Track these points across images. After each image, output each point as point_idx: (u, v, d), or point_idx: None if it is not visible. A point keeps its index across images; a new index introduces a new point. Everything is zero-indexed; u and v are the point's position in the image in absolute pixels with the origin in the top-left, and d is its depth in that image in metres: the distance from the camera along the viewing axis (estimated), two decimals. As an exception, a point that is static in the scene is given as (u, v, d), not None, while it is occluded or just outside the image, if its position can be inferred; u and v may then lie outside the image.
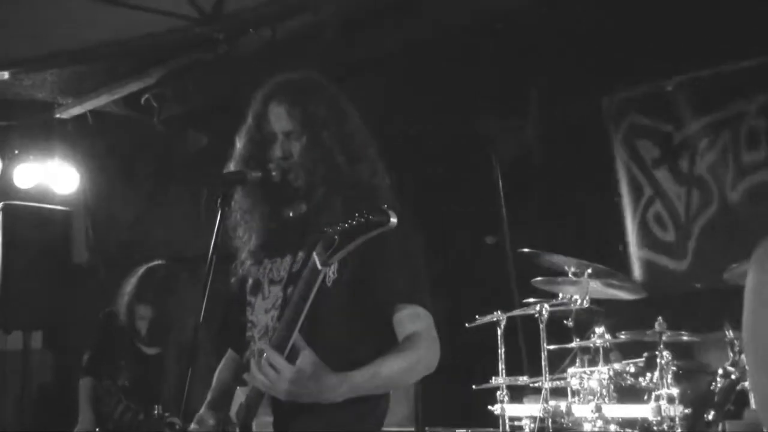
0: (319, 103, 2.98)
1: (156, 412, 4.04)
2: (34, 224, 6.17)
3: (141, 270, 5.05)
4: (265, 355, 2.64)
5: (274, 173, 2.92)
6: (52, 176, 6.89)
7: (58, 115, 6.46)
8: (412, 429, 6.18)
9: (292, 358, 2.62)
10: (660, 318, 4.72)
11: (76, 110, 6.38)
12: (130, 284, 5.01)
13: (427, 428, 6.01)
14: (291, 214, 3.06)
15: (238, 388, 2.92)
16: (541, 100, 7.02)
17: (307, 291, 2.61)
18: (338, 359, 2.72)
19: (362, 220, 2.49)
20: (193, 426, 2.95)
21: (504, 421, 5.34)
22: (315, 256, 2.56)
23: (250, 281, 3.03)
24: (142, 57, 5.66)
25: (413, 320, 2.81)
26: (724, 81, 6.16)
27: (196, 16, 5.16)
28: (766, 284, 2.16)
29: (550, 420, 5.14)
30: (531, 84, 6.99)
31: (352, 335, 2.83)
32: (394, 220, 2.48)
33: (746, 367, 4.44)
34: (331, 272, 2.81)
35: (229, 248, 3.11)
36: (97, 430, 4.89)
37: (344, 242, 2.52)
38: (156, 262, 5.10)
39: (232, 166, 3.01)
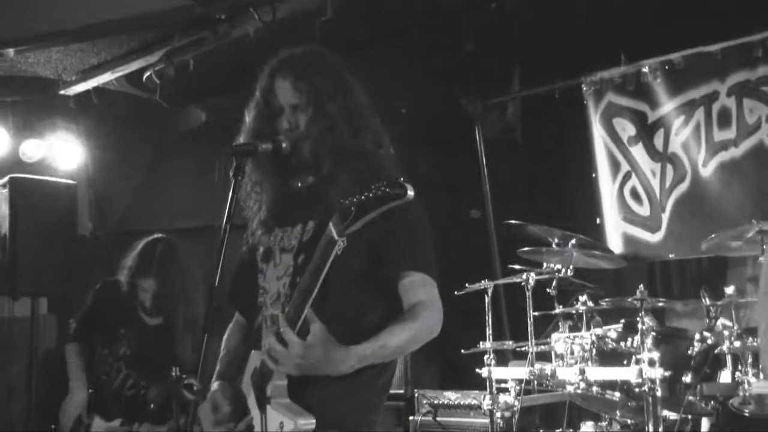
0: (324, 76, 2.99)
1: (174, 374, 4.01)
2: (40, 197, 6.16)
3: (140, 244, 5.01)
4: (277, 329, 2.62)
5: (283, 144, 2.93)
6: (56, 151, 6.85)
7: (62, 92, 6.39)
8: (402, 391, 6.22)
9: (303, 331, 2.63)
10: (641, 285, 4.76)
11: (80, 87, 6.31)
12: (131, 258, 4.97)
13: (416, 391, 6.02)
14: (299, 185, 3.08)
15: (253, 351, 2.92)
16: (523, 79, 7.04)
17: (323, 261, 2.61)
18: (346, 327, 2.76)
19: (379, 192, 2.46)
20: (207, 406, 2.92)
21: (491, 383, 5.38)
22: (331, 227, 2.54)
23: (261, 249, 3.05)
24: (145, 35, 5.59)
25: (419, 287, 2.83)
26: (698, 62, 6.19)
27: (199, -5, 5.10)
28: None
29: (535, 382, 5.19)
30: (514, 64, 6.99)
31: (360, 302, 2.86)
32: (411, 192, 2.46)
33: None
34: (342, 241, 2.78)
35: (237, 218, 3.10)
36: (90, 390, 4.84)
37: (361, 213, 2.49)
38: (155, 236, 5.05)
39: (242, 140, 3.02)
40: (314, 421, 2.69)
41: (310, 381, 2.70)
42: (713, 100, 6.15)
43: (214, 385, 3.00)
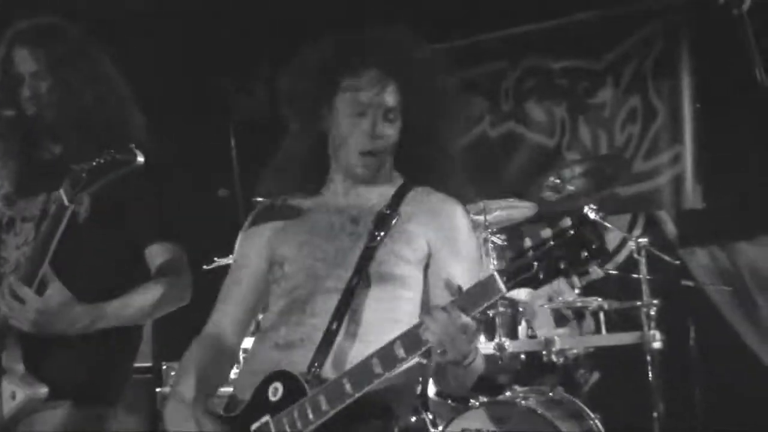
0: (64, 45, 2.91)
1: None
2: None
3: None
4: (9, 286, 2.55)
5: (28, 112, 2.80)
6: None
7: None
8: (149, 364, 6.02)
9: (40, 292, 2.55)
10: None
11: None
12: None
13: (164, 363, 5.86)
14: (46, 156, 2.94)
15: None
16: (272, 66, 7.01)
17: (54, 227, 2.57)
18: (92, 294, 2.68)
19: (109, 158, 2.46)
20: None
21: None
22: (62, 193, 2.52)
23: (4, 220, 2.92)
24: None
25: (164, 254, 2.82)
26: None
27: None
28: None
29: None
30: (264, 48, 6.97)
31: (106, 271, 2.81)
32: (141, 159, 2.47)
33: None
34: (84, 210, 2.73)
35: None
36: None
37: (92, 179, 2.48)
38: None
39: None
40: (46, 390, 2.62)
41: (49, 346, 2.62)
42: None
43: None
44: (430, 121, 2.48)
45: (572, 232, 1.90)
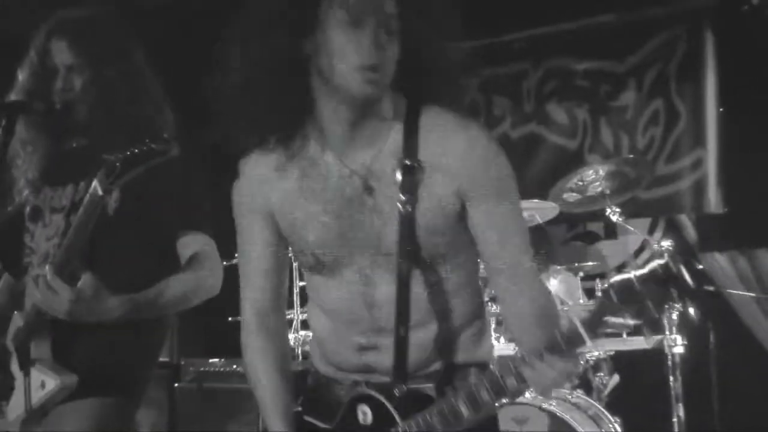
0: (103, 39, 2.90)
1: None
2: None
3: None
4: (44, 276, 2.56)
5: (57, 105, 2.80)
6: None
7: None
8: (168, 360, 6.01)
9: (72, 283, 2.55)
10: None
11: None
12: None
13: (183, 359, 5.86)
14: (73, 145, 2.93)
15: (15, 312, 2.80)
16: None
17: (87, 217, 2.56)
18: (123, 285, 2.69)
19: (144, 148, 2.42)
20: None
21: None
22: (96, 183, 2.48)
23: (29, 209, 2.92)
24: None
25: (195, 245, 2.79)
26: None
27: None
28: None
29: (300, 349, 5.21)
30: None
31: (136, 262, 2.83)
32: (176, 150, 2.45)
33: None
34: (114, 201, 2.73)
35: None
36: None
37: (126, 169, 2.44)
38: None
39: (13, 97, 2.88)
40: (76, 379, 2.62)
41: (78, 334, 2.63)
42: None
43: None
44: (431, 28, 2.13)
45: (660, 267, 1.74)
